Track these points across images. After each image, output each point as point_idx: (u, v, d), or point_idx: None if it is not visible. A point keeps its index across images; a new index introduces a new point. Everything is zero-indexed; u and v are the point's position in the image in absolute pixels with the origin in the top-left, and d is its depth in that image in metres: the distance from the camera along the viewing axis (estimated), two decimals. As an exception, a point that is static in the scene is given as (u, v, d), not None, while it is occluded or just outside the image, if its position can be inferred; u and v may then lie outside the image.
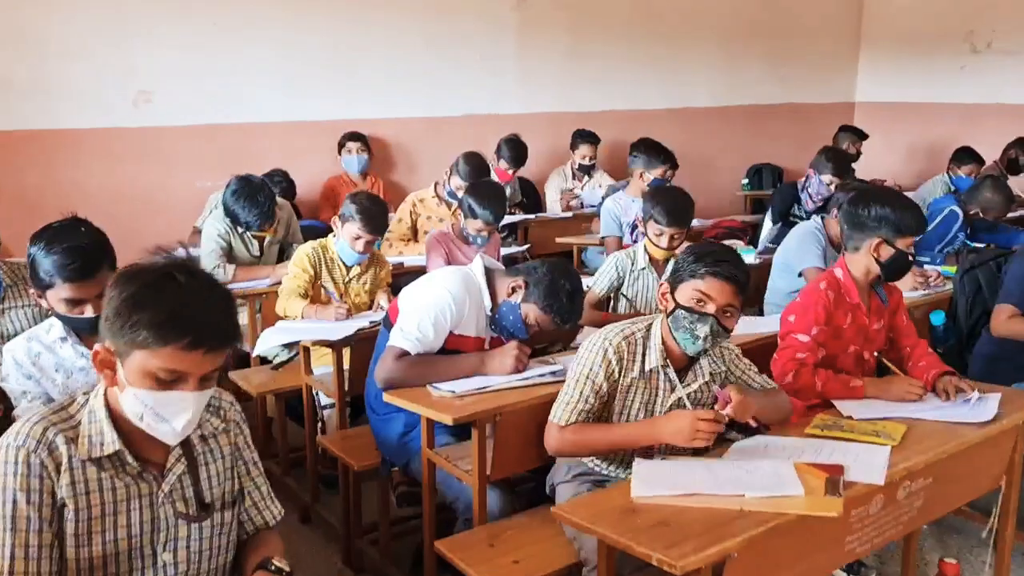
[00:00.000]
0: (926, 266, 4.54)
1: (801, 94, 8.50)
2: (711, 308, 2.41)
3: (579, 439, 2.49)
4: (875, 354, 3.17)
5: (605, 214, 5.05)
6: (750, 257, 4.67)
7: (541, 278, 2.90)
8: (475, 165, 4.99)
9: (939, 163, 6.73)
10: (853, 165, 7.00)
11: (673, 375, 2.54)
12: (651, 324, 2.56)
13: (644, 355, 2.52)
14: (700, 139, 7.76)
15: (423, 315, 2.89)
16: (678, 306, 2.43)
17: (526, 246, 5.36)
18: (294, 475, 3.98)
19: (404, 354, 2.86)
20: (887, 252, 2.95)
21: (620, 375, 2.50)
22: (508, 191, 6.25)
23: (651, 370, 2.52)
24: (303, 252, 3.86)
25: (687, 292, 2.42)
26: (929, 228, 5.08)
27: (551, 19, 6.91)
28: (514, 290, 2.94)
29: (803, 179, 5.63)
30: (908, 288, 4.03)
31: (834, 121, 8.84)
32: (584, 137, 6.57)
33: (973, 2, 7.99)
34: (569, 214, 6.20)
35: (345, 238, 3.80)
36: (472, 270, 3.05)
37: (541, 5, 6.83)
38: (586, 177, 6.59)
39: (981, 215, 5.03)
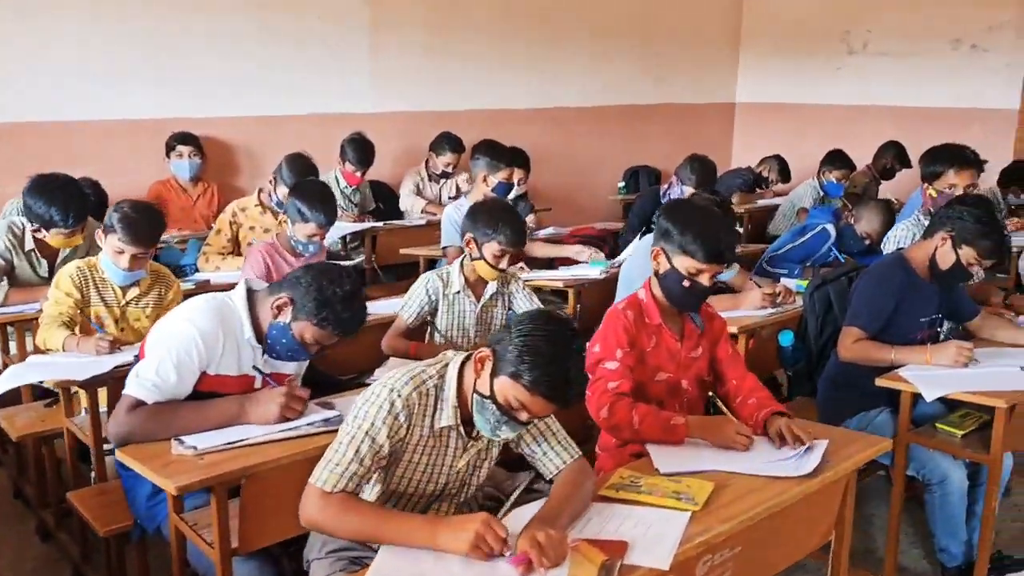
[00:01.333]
0: (782, 279, 4.25)
1: (680, 94, 8.20)
2: (524, 417, 2.03)
3: (342, 518, 2.00)
4: (710, 393, 2.86)
5: (446, 222, 4.62)
6: (596, 271, 4.33)
7: (307, 290, 2.48)
8: (299, 168, 4.51)
9: (816, 166, 6.52)
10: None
11: (464, 433, 2.17)
12: (445, 371, 2.15)
13: (436, 410, 2.12)
14: (571, 141, 7.40)
15: (164, 356, 2.43)
16: (493, 398, 2.01)
17: (360, 258, 4.91)
18: (68, 527, 3.44)
19: (139, 404, 2.40)
20: (663, 265, 2.63)
21: (407, 432, 2.09)
22: (358, 197, 5.81)
23: (442, 428, 2.14)
24: (66, 272, 3.31)
25: (507, 390, 1.99)
26: (798, 243, 4.78)
27: (407, 12, 6.41)
28: (280, 309, 2.53)
29: (666, 185, 5.33)
30: (756, 306, 3.75)
31: (714, 122, 8.65)
32: (451, 143, 6.09)
33: (849, 3, 7.88)
34: (422, 221, 5.75)
35: (108, 252, 3.28)
36: (231, 297, 2.60)
37: (396, -4, 6.36)
38: (443, 180, 6.17)
39: (862, 237, 4.71)
